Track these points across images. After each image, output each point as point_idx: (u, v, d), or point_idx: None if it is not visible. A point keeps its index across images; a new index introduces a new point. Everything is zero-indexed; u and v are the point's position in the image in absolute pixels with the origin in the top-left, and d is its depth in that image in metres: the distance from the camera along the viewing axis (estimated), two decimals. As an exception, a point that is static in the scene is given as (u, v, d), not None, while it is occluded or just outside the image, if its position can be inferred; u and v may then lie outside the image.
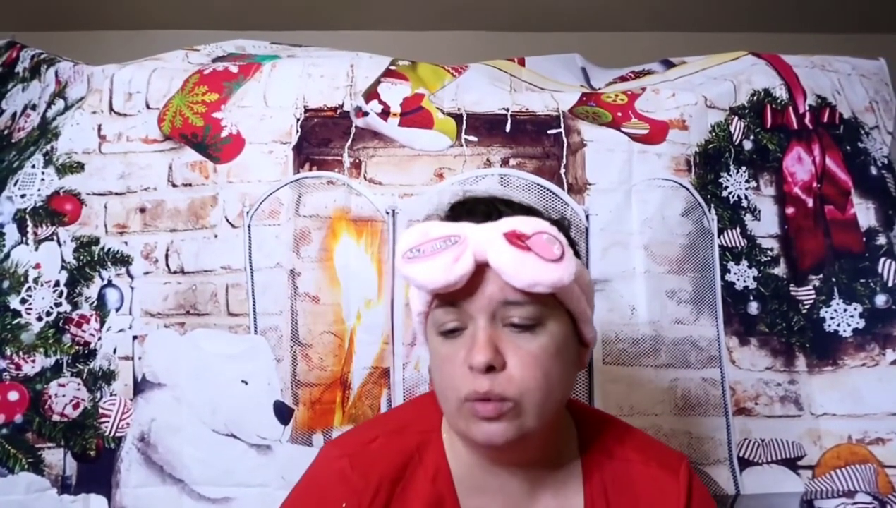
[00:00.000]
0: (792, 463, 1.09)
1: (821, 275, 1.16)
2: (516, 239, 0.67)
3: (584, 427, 0.80)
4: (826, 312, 1.15)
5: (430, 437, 0.77)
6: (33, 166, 1.15)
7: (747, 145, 1.20)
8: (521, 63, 1.29)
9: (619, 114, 1.19)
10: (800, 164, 1.21)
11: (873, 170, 1.22)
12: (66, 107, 1.21)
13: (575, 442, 0.79)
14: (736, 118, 1.21)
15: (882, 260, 1.16)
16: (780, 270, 1.16)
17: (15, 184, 1.15)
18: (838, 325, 1.14)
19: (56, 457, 1.08)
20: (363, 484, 0.73)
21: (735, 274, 1.15)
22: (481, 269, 0.68)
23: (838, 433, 1.10)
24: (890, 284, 1.15)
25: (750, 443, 1.10)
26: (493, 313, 0.69)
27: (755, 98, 1.22)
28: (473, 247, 0.68)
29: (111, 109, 1.19)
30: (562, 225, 0.75)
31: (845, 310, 1.14)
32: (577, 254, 0.73)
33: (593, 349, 0.79)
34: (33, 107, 1.25)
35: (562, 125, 1.17)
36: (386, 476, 0.74)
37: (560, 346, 0.70)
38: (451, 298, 0.69)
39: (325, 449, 0.80)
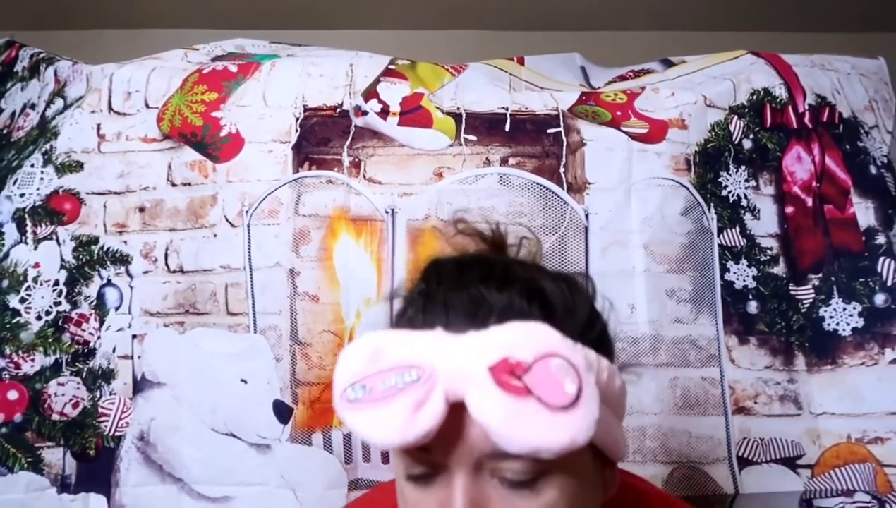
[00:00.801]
0: (791, 462, 1.10)
1: (820, 275, 1.16)
2: (509, 375, 0.46)
3: None
4: (825, 311, 1.15)
5: None
6: (32, 165, 1.15)
7: (747, 144, 1.20)
8: (521, 62, 1.29)
9: (619, 113, 1.19)
10: (799, 163, 1.21)
11: (873, 170, 1.22)
12: (66, 107, 1.21)
13: None
14: (735, 117, 1.21)
15: (881, 259, 1.16)
16: (779, 269, 1.16)
17: (14, 183, 1.15)
18: (837, 324, 1.14)
19: (55, 456, 1.08)
20: None
21: (734, 273, 1.15)
22: (458, 406, 0.48)
23: (837, 432, 1.10)
24: (889, 283, 1.15)
25: (749, 442, 1.10)
26: (477, 462, 0.50)
27: (755, 97, 1.22)
28: (446, 383, 0.48)
29: (110, 108, 1.19)
30: (577, 293, 0.56)
31: (844, 310, 1.14)
32: (607, 353, 0.56)
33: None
34: (32, 107, 1.25)
35: (561, 124, 1.17)
36: None
37: (574, 499, 0.51)
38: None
39: None
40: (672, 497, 0.74)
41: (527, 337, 0.48)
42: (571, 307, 0.54)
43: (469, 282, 0.53)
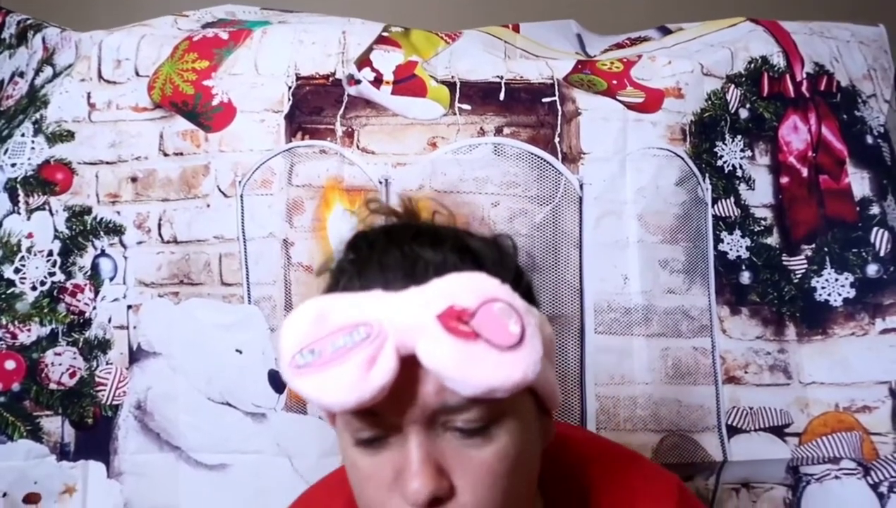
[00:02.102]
0: (779, 431, 1.11)
1: (813, 245, 1.16)
2: (456, 321, 0.47)
3: (558, 493, 0.64)
4: (817, 282, 1.15)
5: None
6: (23, 135, 1.14)
7: (743, 114, 1.19)
8: (516, 29, 1.27)
9: (615, 82, 1.18)
10: (795, 133, 1.20)
11: (869, 140, 1.21)
12: (55, 75, 1.19)
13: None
14: (732, 86, 1.19)
15: (875, 229, 1.16)
16: (772, 240, 1.17)
17: (5, 152, 1.14)
18: (829, 295, 1.15)
19: (54, 425, 1.09)
20: None
21: (728, 243, 1.15)
22: (408, 361, 0.49)
23: (826, 401, 1.12)
24: (882, 254, 1.15)
25: (738, 411, 1.11)
26: (429, 418, 0.51)
27: (752, 66, 1.21)
28: (396, 337, 0.48)
29: (100, 77, 1.17)
30: (504, 253, 0.58)
31: (836, 280, 1.15)
32: (532, 300, 0.57)
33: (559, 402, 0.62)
34: (21, 75, 1.23)
35: (556, 93, 1.16)
36: None
37: (523, 443, 0.53)
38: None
39: None
40: (611, 444, 0.74)
41: (468, 286, 0.50)
42: (499, 261, 0.57)
43: (401, 243, 0.55)
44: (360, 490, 0.55)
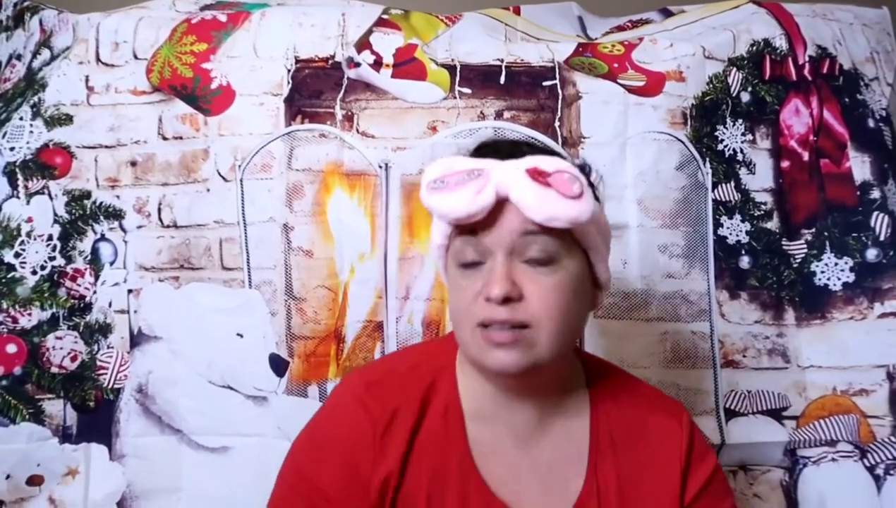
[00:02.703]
0: (777, 414, 1.12)
1: (813, 230, 1.16)
2: (538, 175, 0.69)
3: (592, 371, 0.83)
4: (817, 266, 1.15)
5: (443, 373, 0.79)
6: (21, 118, 1.14)
7: (745, 97, 1.19)
8: (517, 12, 1.26)
9: (616, 65, 1.17)
10: (797, 117, 1.20)
11: (871, 123, 1.21)
12: (53, 58, 1.18)
13: (583, 382, 0.81)
14: (734, 69, 1.19)
15: (875, 214, 1.16)
16: (772, 224, 1.17)
17: (3, 136, 1.13)
18: (828, 279, 1.15)
19: (56, 408, 1.10)
20: (379, 412, 0.75)
21: (728, 228, 1.15)
22: (502, 204, 0.70)
23: (823, 384, 1.13)
24: (882, 238, 1.15)
25: (736, 394, 1.12)
26: (511, 247, 0.70)
27: (754, 48, 1.20)
28: (496, 180, 0.69)
29: (98, 60, 1.17)
30: (584, 169, 0.77)
31: (836, 264, 1.15)
32: (596, 197, 0.76)
33: (608, 292, 0.81)
34: (18, 57, 1.22)
35: (557, 77, 1.15)
36: (401, 408, 0.76)
37: (576, 282, 0.72)
38: (471, 230, 0.71)
39: (346, 377, 0.86)
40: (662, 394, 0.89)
41: (549, 160, 0.71)
42: (577, 164, 0.76)
43: (508, 142, 0.82)
44: (456, 302, 0.75)
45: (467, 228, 0.71)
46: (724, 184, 1.16)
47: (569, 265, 0.72)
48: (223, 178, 1.13)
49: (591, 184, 0.75)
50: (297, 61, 1.15)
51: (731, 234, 1.15)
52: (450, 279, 0.77)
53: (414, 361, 0.82)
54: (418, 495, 0.75)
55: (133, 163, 1.15)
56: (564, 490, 0.76)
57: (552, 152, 0.78)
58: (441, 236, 0.76)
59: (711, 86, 1.18)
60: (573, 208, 0.69)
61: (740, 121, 1.18)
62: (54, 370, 1.09)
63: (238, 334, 1.10)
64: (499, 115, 1.14)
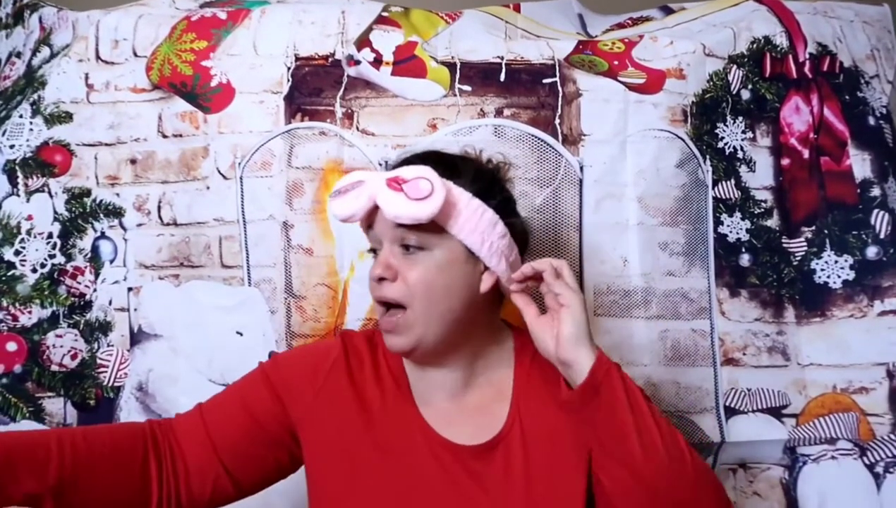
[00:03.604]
0: (777, 412, 1.12)
1: (813, 227, 1.16)
2: (394, 183, 0.83)
3: (519, 335, 0.93)
4: (817, 264, 1.16)
5: None
6: (21, 116, 1.14)
7: (745, 95, 1.19)
8: (517, 9, 1.26)
9: (616, 62, 1.17)
10: (797, 115, 1.19)
11: (871, 121, 1.21)
12: (52, 55, 1.18)
13: (510, 347, 0.93)
14: (734, 67, 1.19)
15: (875, 211, 1.16)
16: (773, 222, 1.17)
17: (3, 134, 1.13)
18: (828, 277, 1.15)
19: (56, 406, 1.10)
20: (340, 345, 0.93)
21: (728, 226, 1.15)
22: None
23: (823, 382, 1.13)
24: (882, 236, 1.15)
25: (736, 392, 1.12)
26: (392, 237, 0.86)
27: (755, 46, 1.20)
28: (370, 189, 0.85)
29: (98, 57, 1.17)
30: (484, 174, 0.90)
31: (836, 262, 1.15)
32: (504, 199, 0.90)
33: (510, 278, 0.87)
34: (18, 55, 1.22)
35: (557, 74, 1.15)
36: (363, 341, 0.94)
37: (443, 266, 0.85)
38: (369, 225, 0.88)
39: None
40: None
41: (413, 170, 0.85)
42: (475, 179, 0.89)
43: (412, 157, 0.91)
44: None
45: (366, 224, 0.88)
46: (724, 182, 1.16)
47: (438, 253, 0.85)
48: (223, 176, 1.13)
49: (494, 188, 0.90)
50: (297, 59, 1.14)
51: (731, 232, 1.15)
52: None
53: None
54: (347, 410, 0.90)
55: (133, 161, 1.15)
56: (490, 426, 0.87)
57: (448, 162, 0.90)
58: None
59: (712, 83, 1.17)
60: (414, 208, 0.81)
61: (740, 118, 1.18)
62: (54, 368, 1.10)
63: (238, 332, 1.10)
64: (499, 113, 1.14)
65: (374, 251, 0.89)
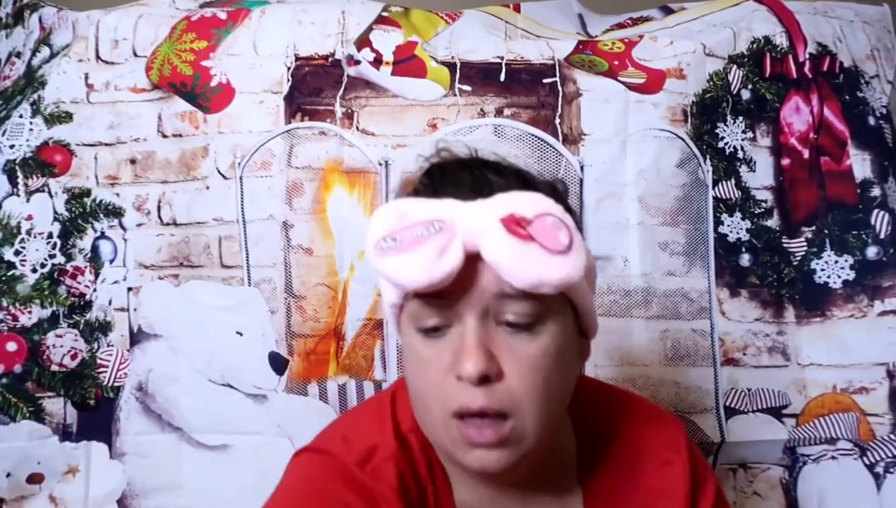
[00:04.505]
0: (777, 412, 1.12)
1: (813, 227, 1.16)
2: (516, 225, 0.55)
3: (578, 415, 0.71)
4: (817, 264, 1.15)
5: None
6: (21, 116, 1.14)
7: (745, 95, 1.19)
8: (517, 9, 1.26)
9: (616, 62, 1.17)
10: (797, 115, 1.20)
11: (871, 121, 1.21)
12: (52, 55, 1.18)
13: (571, 440, 0.72)
14: (735, 67, 1.19)
15: (875, 211, 1.16)
16: (773, 222, 1.17)
17: (3, 134, 1.13)
18: (828, 277, 1.15)
19: (56, 406, 1.10)
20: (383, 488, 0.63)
21: (728, 225, 1.15)
22: (472, 258, 0.57)
23: (823, 382, 1.13)
24: (882, 236, 1.15)
25: (736, 393, 1.12)
26: (485, 309, 0.58)
27: (755, 46, 1.20)
28: (463, 234, 0.57)
29: (98, 57, 1.16)
30: (558, 191, 0.66)
31: (836, 262, 1.15)
32: (577, 225, 0.63)
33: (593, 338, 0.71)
34: (18, 55, 1.22)
35: (557, 74, 1.15)
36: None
37: (562, 347, 0.60)
38: (432, 291, 0.58)
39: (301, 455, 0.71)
40: (654, 405, 0.81)
41: (527, 200, 0.58)
42: (552, 193, 0.64)
43: (472, 167, 0.64)
44: (418, 378, 0.62)
45: (436, 292, 0.58)
46: (724, 182, 1.16)
47: (553, 326, 0.60)
48: (223, 176, 1.13)
49: (569, 210, 0.63)
50: (297, 59, 1.14)
51: (731, 232, 1.15)
52: (407, 345, 0.63)
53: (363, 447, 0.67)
54: None
55: (133, 161, 1.15)
56: None
57: (520, 174, 0.65)
58: (395, 296, 0.62)
59: (712, 83, 1.17)
60: (562, 268, 0.56)
61: (741, 118, 1.18)
62: (54, 368, 1.09)
63: (238, 332, 1.10)
64: (499, 113, 1.14)
65: (433, 330, 0.60)
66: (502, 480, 0.64)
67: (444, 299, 0.58)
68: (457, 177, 0.63)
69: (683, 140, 1.15)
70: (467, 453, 0.59)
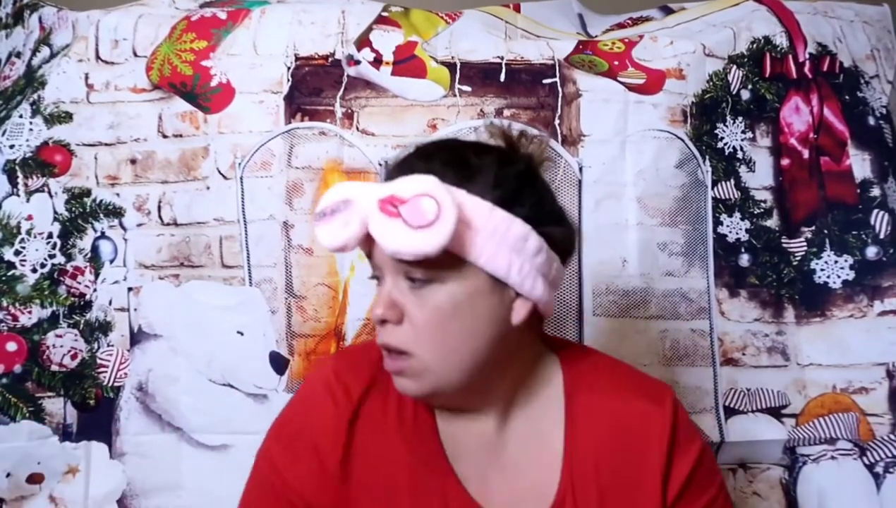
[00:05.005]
0: (776, 412, 1.12)
1: (813, 227, 1.17)
2: (389, 205, 0.66)
3: (569, 363, 0.79)
4: (817, 264, 1.16)
5: None
6: (21, 116, 1.14)
7: (745, 95, 1.19)
8: (517, 9, 1.26)
9: (616, 63, 1.17)
10: (797, 115, 1.20)
11: (871, 121, 1.21)
12: (52, 55, 1.18)
13: (559, 381, 0.77)
14: (734, 67, 1.19)
15: (875, 211, 1.16)
16: (772, 222, 1.17)
17: (3, 134, 1.13)
18: (828, 277, 1.15)
19: (56, 406, 1.10)
20: (346, 401, 0.75)
21: (727, 226, 1.16)
22: None
23: (823, 382, 1.13)
24: (882, 236, 1.16)
25: (736, 393, 1.12)
26: (394, 269, 0.69)
27: (755, 46, 1.20)
28: (360, 212, 0.67)
29: (98, 57, 1.16)
30: (508, 174, 0.70)
31: (836, 262, 1.15)
32: (537, 202, 0.71)
33: (547, 305, 0.74)
34: (18, 55, 1.22)
35: (557, 74, 1.15)
36: (370, 397, 0.75)
37: (461, 302, 0.69)
38: (366, 251, 0.71)
39: (320, 361, 0.89)
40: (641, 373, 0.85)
41: (412, 184, 0.67)
42: (493, 181, 0.70)
43: (413, 157, 0.73)
44: None
45: (367, 250, 0.71)
46: (723, 182, 1.16)
47: (454, 284, 0.68)
48: (223, 176, 1.13)
49: (525, 180, 0.71)
50: (297, 59, 1.14)
51: (730, 232, 1.15)
52: None
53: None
54: (378, 486, 0.74)
55: (133, 161, 1.15)
56: (538, 493, 0.74)
57: (462, 164, 0.71)
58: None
59: (711, 83, 1.18)
60: (417, 240, 0.64)
61: (740, 118, 1.18)
62: (54, 368, 1.10)
63: (238, 332, 1.10)
64: (499, 113, 1.14)
65: (376, 278, 0.72)
66: (440, 405, 0.75)
67: (373, 259, 0.71)
68: (407, 164, 0.73)
69: (683, 140, 1.15)
70: (393, 378, 0.72)
